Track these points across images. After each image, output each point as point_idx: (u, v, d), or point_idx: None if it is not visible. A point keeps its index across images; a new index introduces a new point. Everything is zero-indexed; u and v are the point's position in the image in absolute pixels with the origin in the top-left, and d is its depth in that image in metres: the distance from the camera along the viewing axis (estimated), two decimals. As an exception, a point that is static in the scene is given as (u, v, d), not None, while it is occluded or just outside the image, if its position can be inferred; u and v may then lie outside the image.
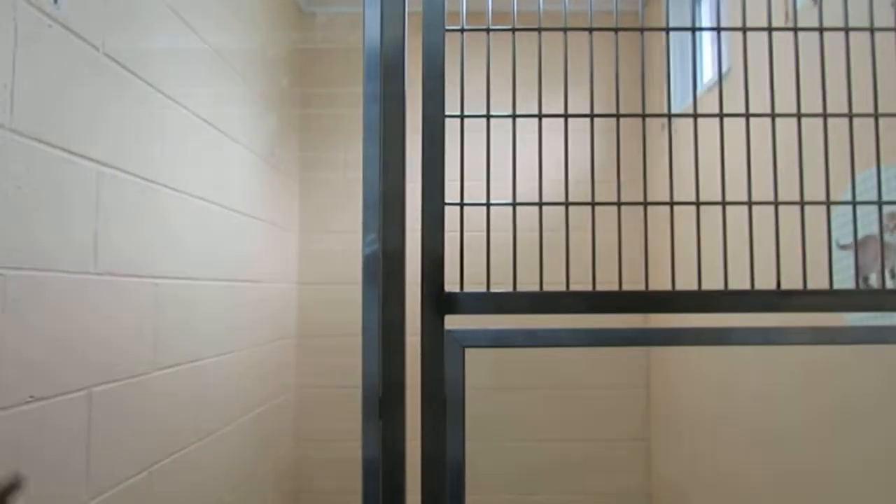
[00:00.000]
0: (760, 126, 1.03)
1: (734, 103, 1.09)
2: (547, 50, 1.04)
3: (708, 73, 2.85)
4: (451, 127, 1.02)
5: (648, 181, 1.23)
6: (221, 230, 2.44)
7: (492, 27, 1.04)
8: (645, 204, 1.02)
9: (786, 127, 1.02)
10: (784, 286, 0.99)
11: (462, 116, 1.03)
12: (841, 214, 1.43)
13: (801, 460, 1.86)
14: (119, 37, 1.73)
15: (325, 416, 3.33)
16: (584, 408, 3.31)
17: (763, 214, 1.02)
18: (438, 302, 0.99)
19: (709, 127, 1.04)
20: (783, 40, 1.07)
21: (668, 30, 1.08)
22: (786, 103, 1.04)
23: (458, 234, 1.02)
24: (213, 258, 2.35)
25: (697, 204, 1.01)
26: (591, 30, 1.04)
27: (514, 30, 1.03)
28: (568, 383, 3.30)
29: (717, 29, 1.06)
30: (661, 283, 1.03)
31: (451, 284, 1.00)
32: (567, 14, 1.04)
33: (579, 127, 1.07)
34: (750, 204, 1.01)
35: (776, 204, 1.01)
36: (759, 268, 1.01)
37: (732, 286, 1.00)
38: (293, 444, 3.35)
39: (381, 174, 0.99)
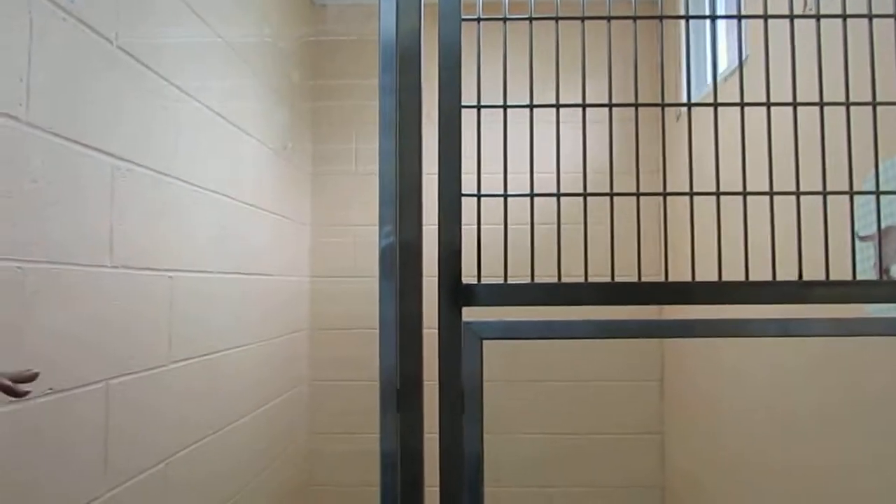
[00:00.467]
0: (781, 115, 1.01)
1: (752, 93, 1.07)
2: (564, 39, 1.02)
3: (723, 62, 2.81)
4: (468, 118, 1.01)
5: (666, 171, 1.22)
6: (234, 223, 2.44)
7: (508, 17, 1.03)
8: (664, 195, 1.01)
9: (807, 115, 1.01)
10: (805, 277, 0.98)
11: (479, 107, 1.02)
12: (861, 205, 1.41)
13: (816, 452, 1.84)
14: (133, 30, 1.73)
15: (338, 409, 3.35)
16: (597, 400, 3.30)
17: (783, 205, 1.01)
18: (456, 293, 0.98)
19: (726, 116, 1.03)
20: (802, 27, 1.05)
21: (687, 17, 1.06)
22: (806, 91, 1.02)
23: (476, 226, 1.01)
24: (227, 251, 2.36)
25: (718, 194, 1.00)
26: (609, 18, 1.03)
27: (531, 19, 1.02)
28: (581, 377, 3.29)
29: (738, 17, 1.04)
30: (679, 274, 1.02)
31: (468, 277, 1.00)
32: (585, 3, 1.03)
33: (596, 118, 1.06)
34: (771, 194, 0.99)
35: (798, 194, 0.99)
36: (779, 258, 0.99)
37: (752, 278, 0.99)
38: (306, 438, 3.36)
39: (397, 166, 0.98)
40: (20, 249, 1.33)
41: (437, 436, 1.03)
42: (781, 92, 1.03)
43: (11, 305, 1.31)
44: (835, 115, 1.01)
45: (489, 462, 1.02)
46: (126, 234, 1.71)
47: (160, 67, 1.87)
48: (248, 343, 2.56)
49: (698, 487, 2.83)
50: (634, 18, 1.02)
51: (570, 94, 1.03)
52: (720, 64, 2.83)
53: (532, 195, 1.01)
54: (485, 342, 1.00)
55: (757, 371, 2.21)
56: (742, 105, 1.02)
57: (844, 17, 1.01)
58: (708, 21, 2.22)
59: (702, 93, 2.84)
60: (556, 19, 1.03)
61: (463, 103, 1.00)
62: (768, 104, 1.01)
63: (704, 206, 1.01)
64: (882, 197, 1.02)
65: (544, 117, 1.04)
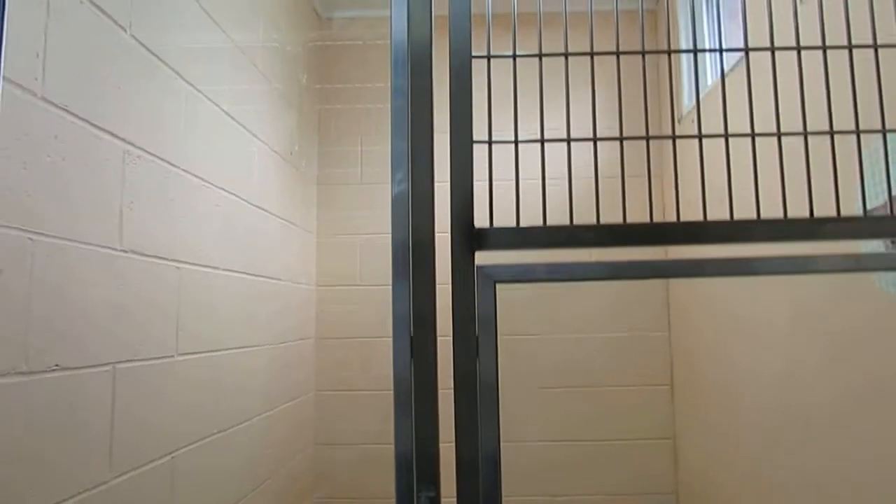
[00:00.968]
0: (784, 60, 1.03)
1: (756, 38, 1.08)
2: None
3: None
4: (478, 68, 1.03)
5: (676, 117, 1.22)
6: (242, 223, 2.45)
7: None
8: (673, 138, 1.02)
9: (812, 59, 1.02)
10: (816, 215, 0.98)
11: (489, 57, 1.03)
12: (869, 178, 1.41)
13: (832, 448, 1.81)
14: (146, 21, 1.77)
15: (344, 419, 3.31)
16: (607, 406, 3.26)
17: (790, 149, 1.02)
18: (469, 238, 0.99)
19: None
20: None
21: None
22: (810, 37, 1.04)
23: (487, 173, 1.02)
24: (233, 250, 2.36)
25: (726, 136, 1.01)
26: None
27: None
28: (589, 381, 3.26)
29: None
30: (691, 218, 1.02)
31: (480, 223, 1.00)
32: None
33: (604, 70, 1.07)
34: (779, 135, 1.00)
35: (805, 134, 1.00)
36: (790, 202, 1.00)
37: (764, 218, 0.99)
38: (313, 448, 3.31)
39: (408, 117, 1.00)
40: (33, 220, 1.34)
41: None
42: (785, 37, 1.05)
43: (21, 275, 1.31)
44: (839, 60, 1.03)
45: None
46: (135, 220, 1.72)
47: (171, 61, 1.91)
48: (254, 345, 2.54)
49: (712, 491, 2.78)
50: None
51: (580, 43, 1.05)
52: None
53: (542, 140, 1.02)
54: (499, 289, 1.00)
55: (770, 365, 2.19)
56: (746, 50, 1.03)
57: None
58: None
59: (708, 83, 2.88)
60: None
61: (473, 53, 1.02)
62: (772, 49, 1.03)
63: (714, 147, 1.02)
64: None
65: (554, 69, 1.06)
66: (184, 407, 1.96)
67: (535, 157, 1.04)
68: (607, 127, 1.10)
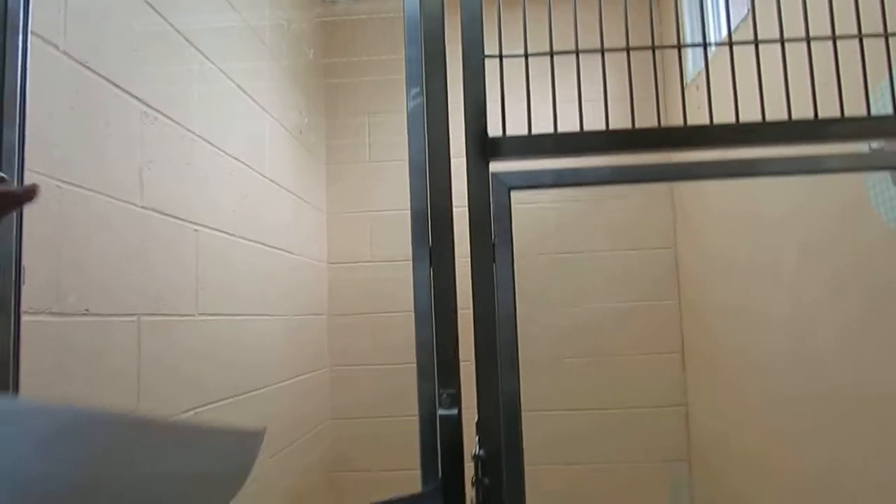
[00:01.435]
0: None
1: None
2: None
3: None
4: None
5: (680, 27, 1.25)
6: (254, 194, 2.50)
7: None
8: (679, 47, 1.06)
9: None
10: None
11: (497, -23, 1.07)
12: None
13: (843, 401, 1.81)
14: (159, -15, 1.82)
15: (359, 393, 3.35)
16: (619, 376, 3.29)
17: (795, 50, 1.05)
18: (483, 146, 1.02)
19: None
20: None
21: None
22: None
23: (499, 85, 1.06)
24: (247, 219, 2.41)
25: (731, 44, 1.04)
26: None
27: (551, 54, 1.08)
28: (600, 350, 3.29)
29: None
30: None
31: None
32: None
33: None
34: (782, 42, 1.04)
35: (808, 40, 1.03)
36: (794, 106, 1.03)
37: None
38: (328, 421, 3.35)
39: (420, 26, 1.03)
40: (58, 168, 1.39)
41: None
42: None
43: (51, 219, 1.36)
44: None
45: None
46: (154, 180, 1.76)
47: (186, 32, 1.96)
48: (270, 314, 2.59)
49: (725, 455, 2.79)
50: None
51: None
52: None
53: (552, 53, 1.06)
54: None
55: (777, 316, 2.19)
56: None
57: None
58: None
59: None
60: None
61: (482, -26, 1.06)
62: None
63: (720, 56, 1.05)
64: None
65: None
66: (204, 365, 2.00)
67: (546, 72, 1.07)
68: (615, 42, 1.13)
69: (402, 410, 3.16)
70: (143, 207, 1.70)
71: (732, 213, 2.50)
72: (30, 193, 0.92)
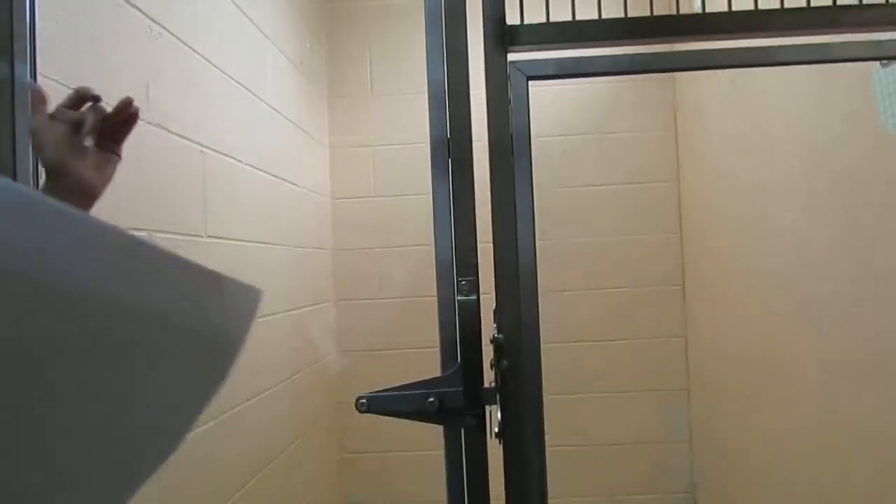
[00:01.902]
0: None
1: None
2: None
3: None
4: None
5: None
6: (260, 121, 2.49)
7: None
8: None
9: None
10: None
11: None
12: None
13: (846, 334, 1.81)
14: None
15: (365, 325, 3.39)
16: (618, 308, 3.34)
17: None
18: (500, 35, 1.02)
19: None
20: None
21: None
22: None
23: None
24: (254, 146, 2.40)
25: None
26: None
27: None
28: (602, 283, 3.33)
29: None
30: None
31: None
32: None
33: None
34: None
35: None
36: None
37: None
38: (335, 353, 3.41)
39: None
40: (68, 73, 1.38)
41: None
42: None
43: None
44: None
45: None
46: (160, 96, 1.75)
47: (185, -58, 1.91)
48: (276, 243, 2.60)
49: (722, 384, 2.86)
50: None
51: None
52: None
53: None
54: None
55: (781, 225, 2.16)
56: None
57: None
58: None
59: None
60: None
61: None
62: None
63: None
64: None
65: None
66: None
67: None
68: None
69: (407, 342, 3.22)
70: (149, 122, 1.69)
71: (734, 135, 2.50)
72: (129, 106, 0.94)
